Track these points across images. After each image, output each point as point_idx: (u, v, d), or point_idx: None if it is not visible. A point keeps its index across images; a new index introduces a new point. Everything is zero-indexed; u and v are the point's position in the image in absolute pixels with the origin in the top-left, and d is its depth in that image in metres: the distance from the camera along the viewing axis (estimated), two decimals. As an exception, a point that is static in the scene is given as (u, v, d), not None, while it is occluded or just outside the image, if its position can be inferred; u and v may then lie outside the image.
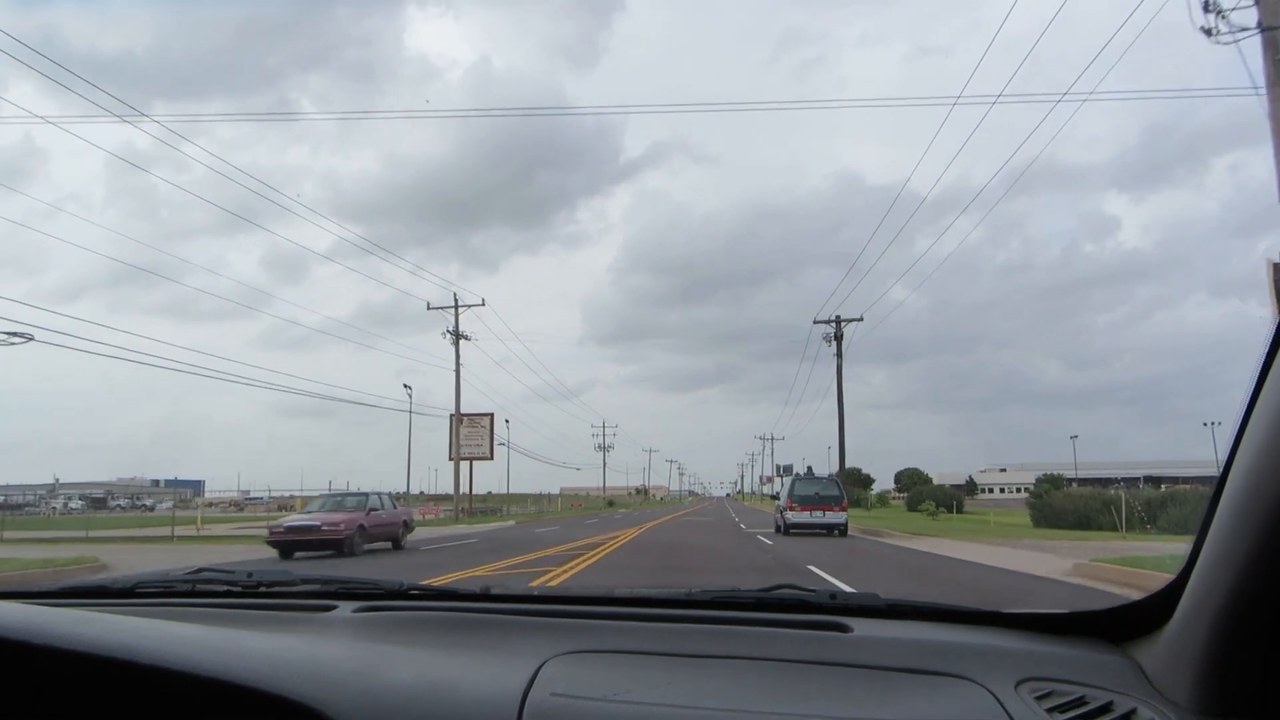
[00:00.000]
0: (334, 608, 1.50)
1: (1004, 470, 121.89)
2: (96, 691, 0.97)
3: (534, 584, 9.21)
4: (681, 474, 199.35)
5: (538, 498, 68.31)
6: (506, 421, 57.32)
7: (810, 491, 23.28)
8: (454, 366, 38.18)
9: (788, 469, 74.40)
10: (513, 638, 1.30)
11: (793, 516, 22.49)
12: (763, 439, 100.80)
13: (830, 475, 26.85)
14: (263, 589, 1.66)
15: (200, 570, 1.78)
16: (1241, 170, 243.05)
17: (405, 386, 39.22)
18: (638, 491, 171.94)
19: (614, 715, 0.97)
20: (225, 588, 1.68)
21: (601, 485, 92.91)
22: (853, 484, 72.72)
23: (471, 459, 49.67)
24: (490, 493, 67.97)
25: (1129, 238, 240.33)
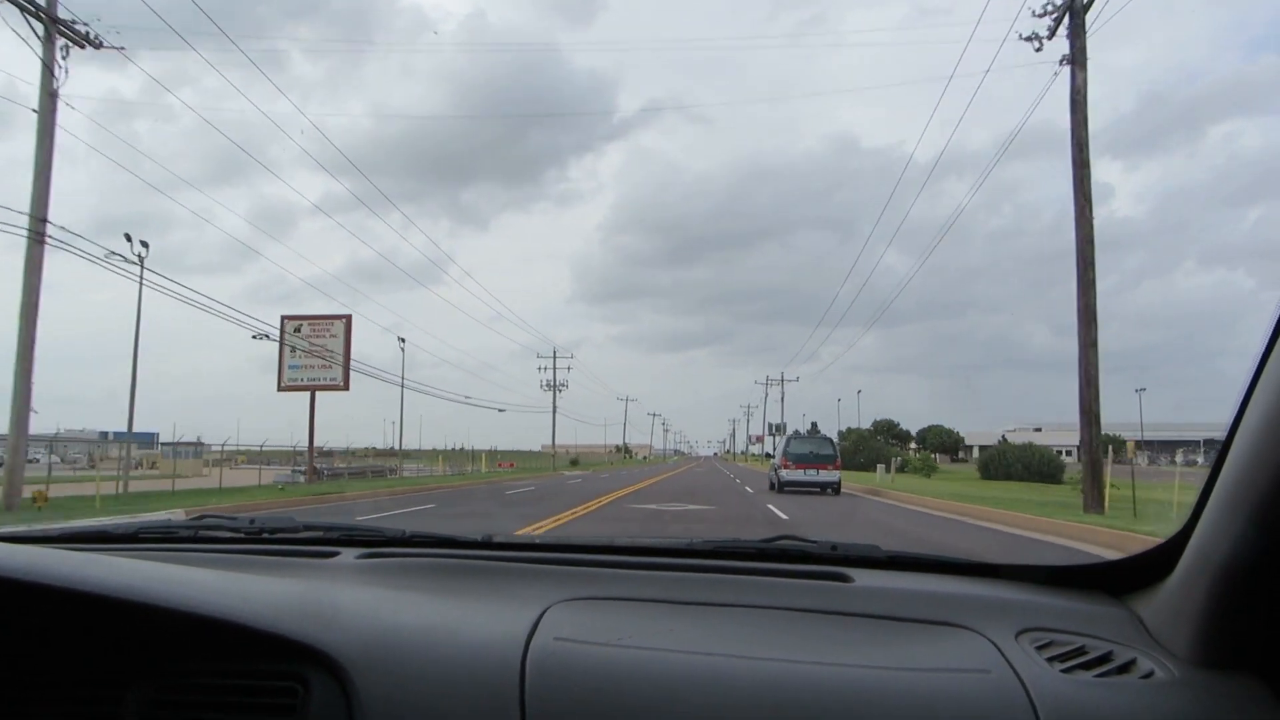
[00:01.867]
0: (337, 554, 1.50)
1: (1039, 430, 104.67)
2: (102, 633, 1.00)
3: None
4: (666, 430, 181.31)
5: (457, 454, 49.62)
6: (401, 340, 38.57)
7: (805, 450, 22.85)
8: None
9: (780, 428, 71.01)
10: (515, 584, 1.31)
11: (787, 474, 22.35)
12: (768, 382, 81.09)
13: (825, 435, 24.79)
14: (265, 535, 1.65)
15: (203, 516, 1.77)
16: (1236, 139, 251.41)
17: (130, 237, 20.56)
18: (617, 449, 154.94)
19: (617, 659, 0.99)
20: (228, 534, 1.67)
21: (592, 440, 74.17)
22: (885, 438, 57.75)
23: (311, 388, 31.01)
24: (397, 449, 49.41)
25: (1122, 205, 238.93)
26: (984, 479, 42.27)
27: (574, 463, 78.00)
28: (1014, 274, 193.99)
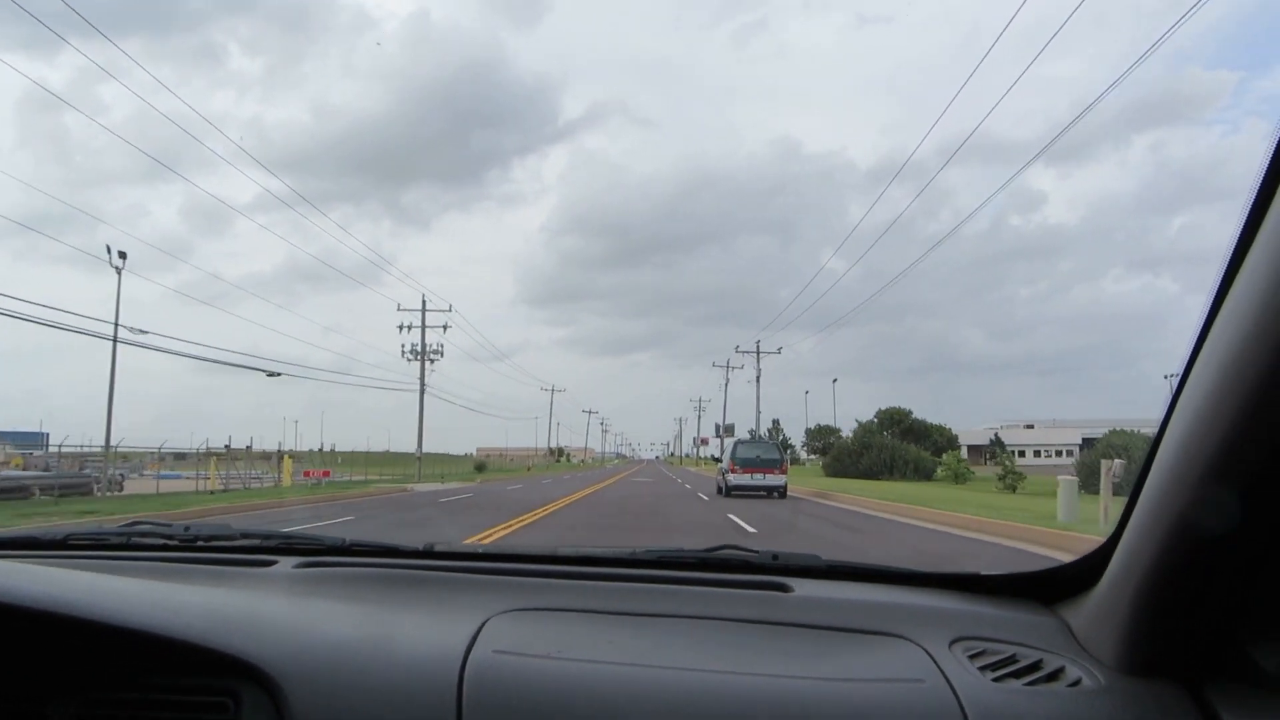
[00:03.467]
0: (274, 563, 1.46)
1: (1031, 427, 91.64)
2: (24, 646, 0.96)
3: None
4: (605, 430, 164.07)
5: (244, 456, 32.06)
6: (120, 257, 21.38)
7: (752, 455, 23.00)
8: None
9: (729, 429, 66.16)
10: (456, 594, 1.29)
11: (734, 479, 22.42)
12: (739, 355, 62.06)
13: (770, 439, 26.43)
14: (200, 543, 1.60)
15: (135, 523, 1.71)
16: (1161, 149, 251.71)
17: None
18: (550, 452, 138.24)
19: (557, 672, 0.99)
20: (161, 541, 1.61)
21: (527, 442, 56.41)
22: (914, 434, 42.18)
23: None
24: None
25: (1055, 212, 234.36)
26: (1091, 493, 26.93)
27: (479, 468, 60.88)
28: (951, 279, 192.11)
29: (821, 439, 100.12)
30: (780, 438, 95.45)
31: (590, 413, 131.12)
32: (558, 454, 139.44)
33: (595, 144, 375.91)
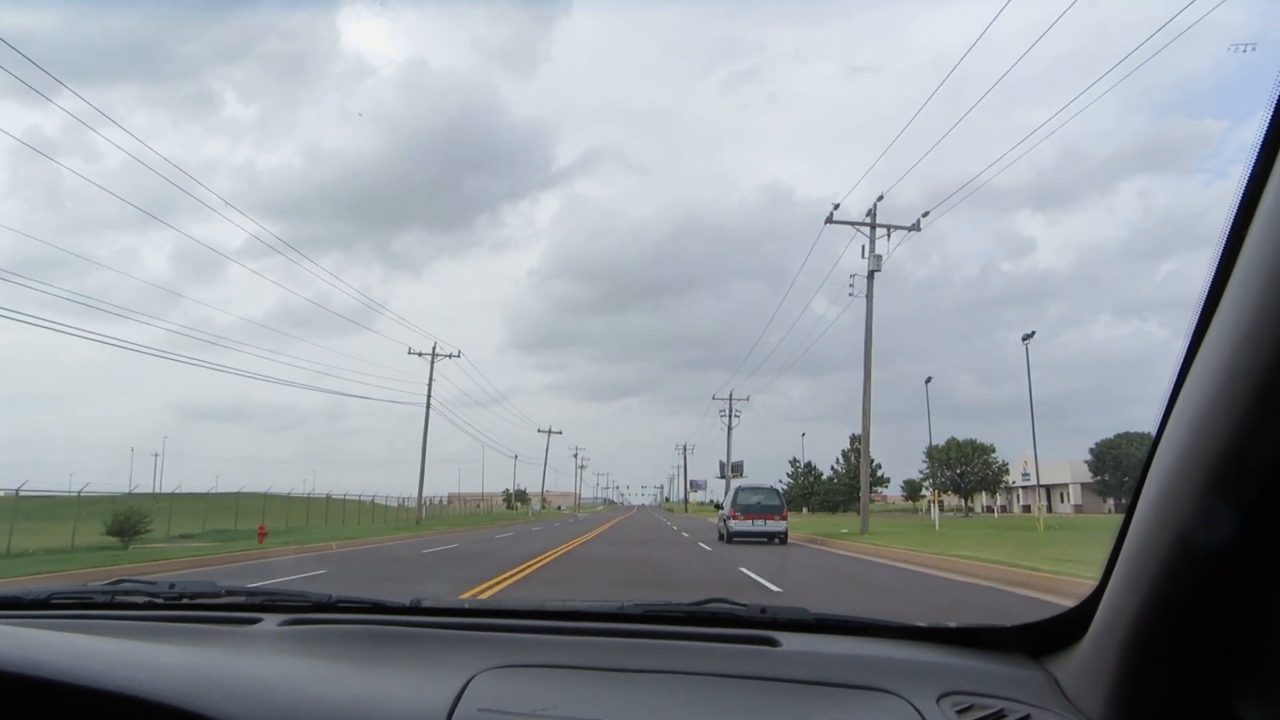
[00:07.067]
0: (259, 620, 1.46)
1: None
2: (6, 710, 0.95)
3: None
4: (581, 464, 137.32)
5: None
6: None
7: (753, 501, 23.55)
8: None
9: (737, 468, 63.13)
10: (441, 651, 1.30)
11: (735, 525, 23.01)
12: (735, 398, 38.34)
13: (771, 485, 25.47)
14: (185, 601, 1.58)
15: (120, 581, 1.68)
16: (1148, 196, 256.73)
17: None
18: (506, 498, 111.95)
19: None
20: (146, 599, 1.59)
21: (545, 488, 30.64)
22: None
23: None
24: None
25: (1044, 258, 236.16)
26: None
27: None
28: (940, 324, 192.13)
29: (962, 461, 66.46)
30: (874, 464, 70.13)
31: (550, 432, 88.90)
32: (516, 499, 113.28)
33: (587, 190, 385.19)
